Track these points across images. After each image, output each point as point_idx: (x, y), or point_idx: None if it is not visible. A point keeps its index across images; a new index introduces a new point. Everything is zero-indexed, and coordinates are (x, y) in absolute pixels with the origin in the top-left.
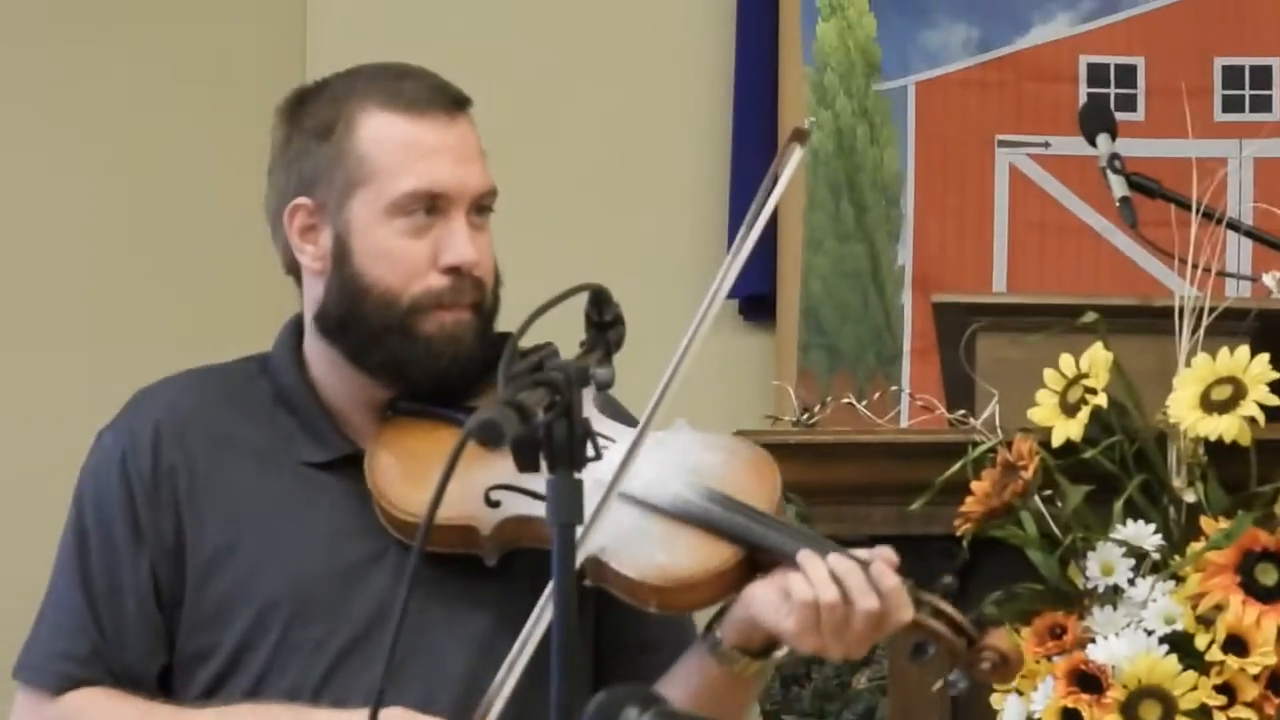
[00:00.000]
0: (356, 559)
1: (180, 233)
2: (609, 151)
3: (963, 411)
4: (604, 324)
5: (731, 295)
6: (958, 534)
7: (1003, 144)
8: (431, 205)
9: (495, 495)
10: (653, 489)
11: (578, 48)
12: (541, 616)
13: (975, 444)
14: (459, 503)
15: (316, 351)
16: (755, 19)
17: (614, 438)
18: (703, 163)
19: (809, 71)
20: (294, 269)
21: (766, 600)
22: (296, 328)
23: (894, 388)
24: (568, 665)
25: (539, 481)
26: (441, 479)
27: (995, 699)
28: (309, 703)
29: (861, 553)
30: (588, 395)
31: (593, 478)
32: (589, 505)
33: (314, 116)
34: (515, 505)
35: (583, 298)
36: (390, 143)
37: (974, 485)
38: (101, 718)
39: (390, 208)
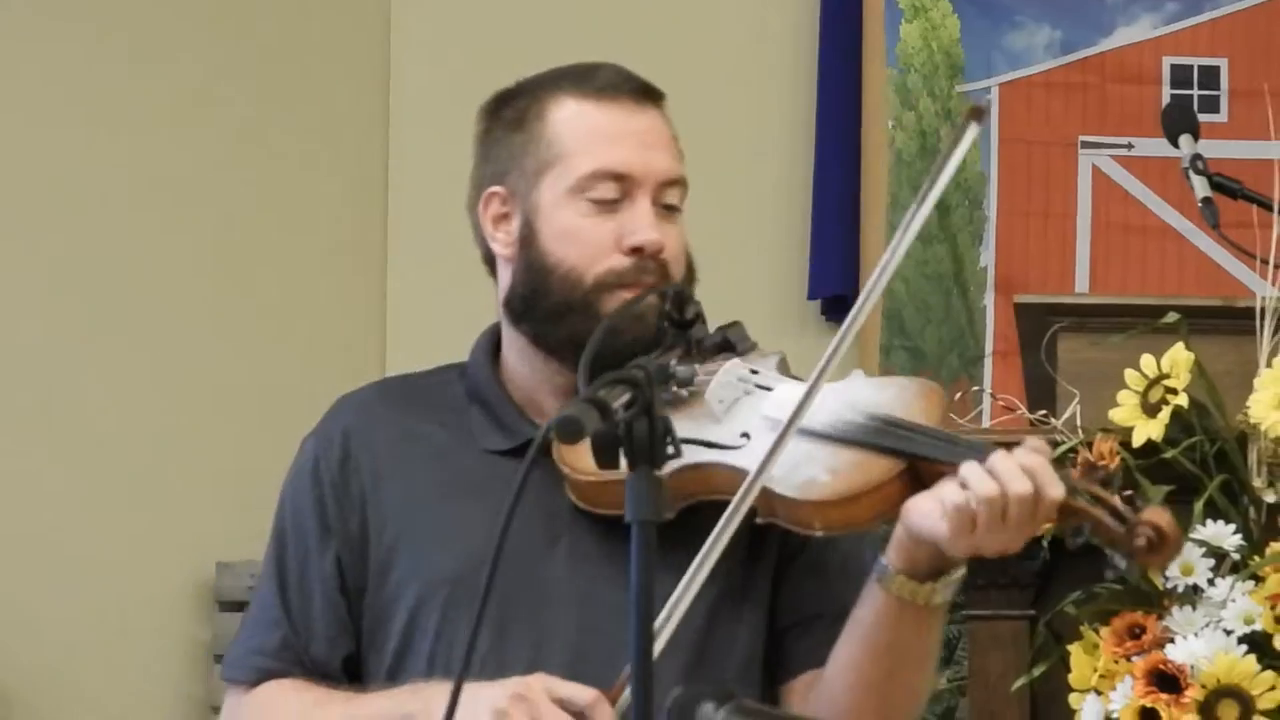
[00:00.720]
0: (529, 541)
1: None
2: (695, 152)
3: (1044, 412)
4: (684, 323)
5: (813, 296)
6: (1039, 534)
7: (1085, 145)
8: (616, 187)
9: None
10: (817, 416)
11: (663, 49)
12: (709, 555)
13: (1056, 444)
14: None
15: (508, 342)
16: (839, 20)
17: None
18: (786, 162)
19: (892, 73)
20: (490, 260)
21: (921, 508)
22: (493, 332)
23: (976, 388)
24: (646, 656)
25: (716, 432)
26: (525, 467)
27: (1074, 699)
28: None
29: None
30: (771, 359)
31: (763, 414)
32: (761, 442)
33: (511, 108)
34: (691, 455)
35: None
36: (578, 125)
37: None
38: (283, 706)
39: (575, 188)
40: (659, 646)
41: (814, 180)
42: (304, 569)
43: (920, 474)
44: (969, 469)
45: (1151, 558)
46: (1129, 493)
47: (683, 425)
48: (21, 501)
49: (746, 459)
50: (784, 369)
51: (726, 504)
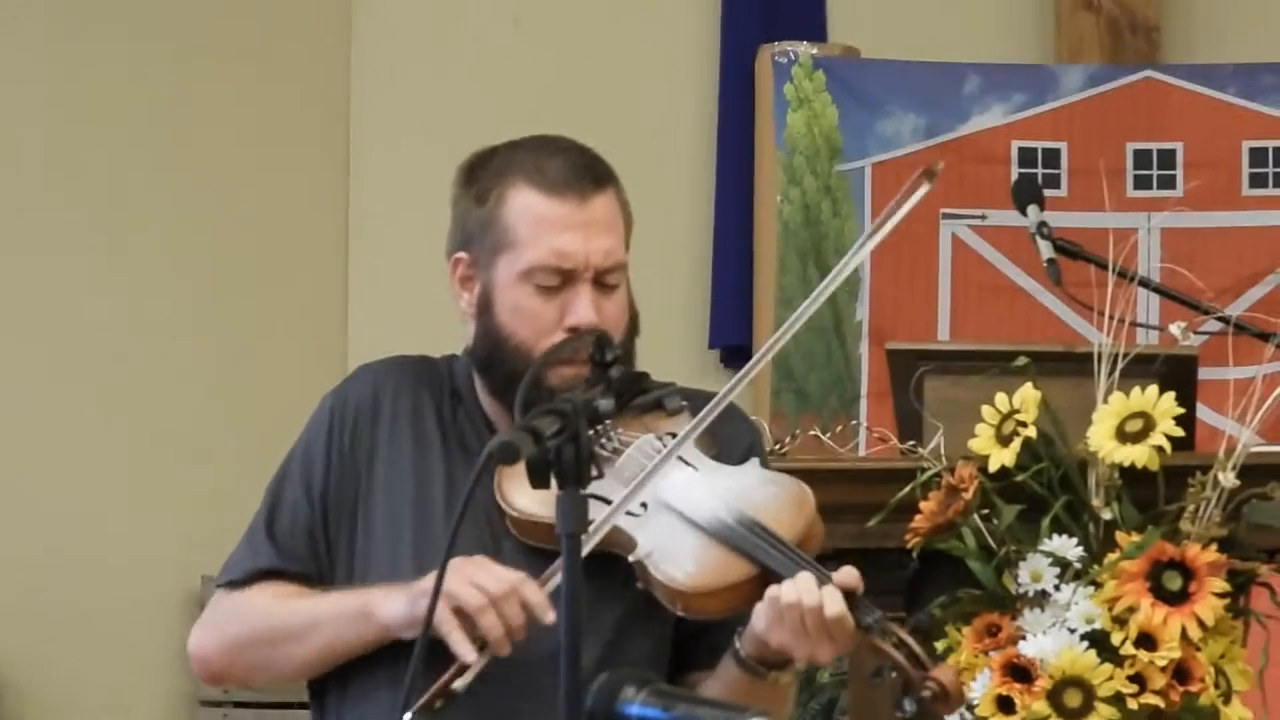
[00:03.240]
0: (479, 539)
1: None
2: None
3: (912, 443)
4: (606, 363)
5: (713, 345)
6: (909, 547)
7: (946, 216)
8: (560, 275)
9: None
10: (701, 509)
11: (587, 131)
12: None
13: (923, 470)
14: (547, 504)
15: (477, 380)
16: (735, 109)
17: (697, 466)
18: (690, 229)
19: (780, 154)
20: (461, 309)
21: (760, 611)
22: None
23: (854, 422)
24: (574, 657)
25: (612, 490)
26: (468, 492)
27: None
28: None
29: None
30: (693, 442)
31: (658, 496)
32: (655, 517)
33: (478, 182)
34: (594, 512)
35: None
36: (529, 217)
37: (922, 505)
38: (256, 599)
39: (524, 273)
40: None
41: (714, 245)
42: (295, 504)
43: (770, 580)
44: (785, 582)
45: (936, 706)
46: (933, 658)
47: (598, 483)
48: (20, 513)
49: (637, 527)
50: (705, 445)
51: (617, 557)
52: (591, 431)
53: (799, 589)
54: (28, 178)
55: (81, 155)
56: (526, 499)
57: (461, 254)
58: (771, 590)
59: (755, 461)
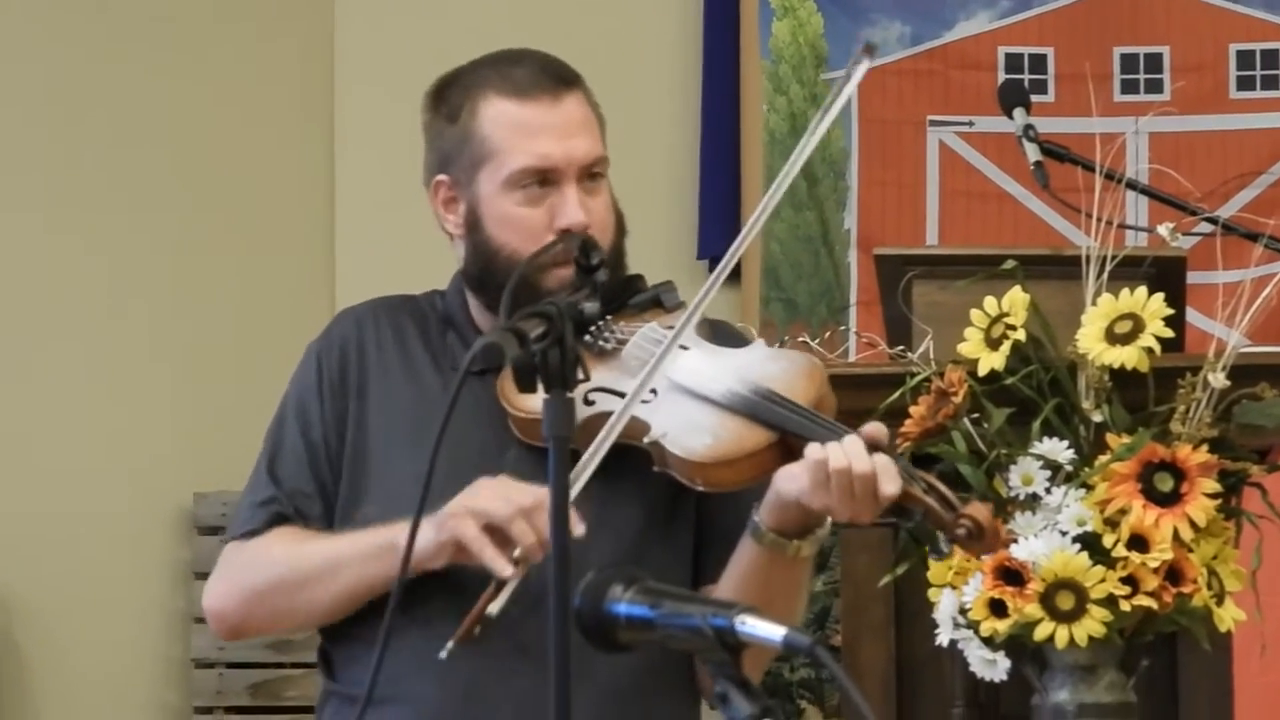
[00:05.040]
0: (484, 448)
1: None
2: None
3: (901, 348)
4: (591, 267)
5: (701, 255)
6: (899, 452)
7: (933, 124)
8: (543, 177)
9: (592, 396)
10: (713, 385)
11: (569, 46)
12: (582, 473)
13: (912, 374)
14: None
15: (470, 299)
16: (719, 18)
17: (703, 349)
18: (676, 141)
19: (765, 64)
20: (449, 233)
21: (788, 473)
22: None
23: (843, 328)
24: (564, 556)
25: (628, 385)
26: (455, 391)
27: (932, 593)
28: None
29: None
30: (695, 329)
31: (668, 376)
32: (665, 400)
33: (447, 103)
34: (604, 404)
35: None
36: (503, 124)
37: (912, 410)
38: (274, 544)
39: (507, 181)
40: None
41: (700, 156)
42: (294, 445)
43: (791, 446)
44: (830, 445)
45: (970, 545)
46: (964, 495)
47: (602, 376)
48: (20, 437)
49: (649, 412)
50: (706, 332)
51: (634, 448)
52: (592, 329)
53: (848, 454)
54: (20, 112)
55: (76, 98)
56: (531, 399)
57: (441, 176)
58: (815, 454)
59: (760, 342)
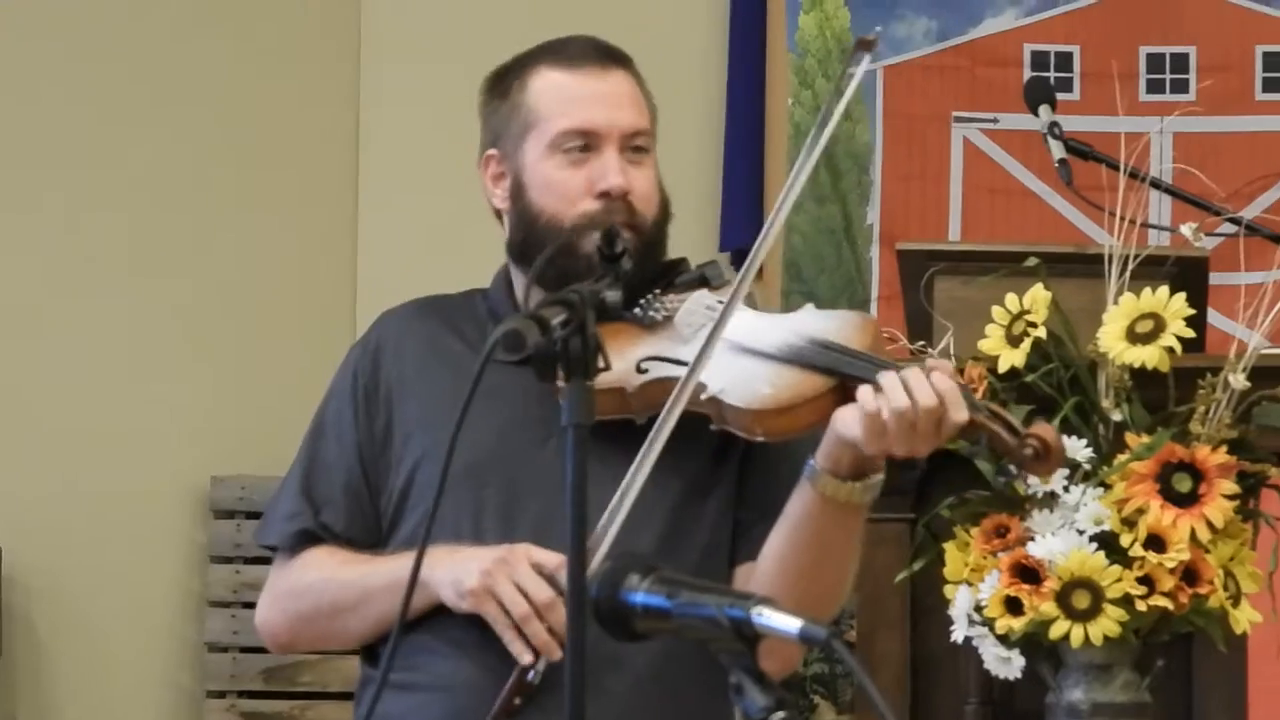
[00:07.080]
0: (526, 441)
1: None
2: None
3: (922, 343)
4: (614, 256)
5: (724, 247)
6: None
7: (958, 120)
8: (585, 142)
9: (645, 365)
10: (767, 339)
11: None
12: (654, 443)
13: None
14: (612, 372)
15: (515, 278)
16: (747, 11)
17: (754, 312)
18: (702, 133)
19: (792, 57)
20: (497, 212)
21: (844, 415)
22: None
23: None
24: (579, 545)
25: (682, 351)
26: (479, 367)
27: (948, 590)
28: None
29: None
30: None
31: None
32: (719, 361)
33: (501, 83)
34: (658, 370)
35: None
36: (551, 92)
37: None
38: (316, 565)
39: (551, 145)
40: (617, 526)
41: (725, 148)
42: (330, 454)
43: (849, 391)
44: (887, 380)
45: (1038, 466)
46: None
47: (655, 345)
48: (37, 420)
49: (705, 375)
50: (750, 302)
51: (691, 413)
52: (641, 302)
53: (910, 385)
54: (34, 84)
55: (100, 78)
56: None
57: (492, 150)
58: (865, 397)
59: (810, 306)
